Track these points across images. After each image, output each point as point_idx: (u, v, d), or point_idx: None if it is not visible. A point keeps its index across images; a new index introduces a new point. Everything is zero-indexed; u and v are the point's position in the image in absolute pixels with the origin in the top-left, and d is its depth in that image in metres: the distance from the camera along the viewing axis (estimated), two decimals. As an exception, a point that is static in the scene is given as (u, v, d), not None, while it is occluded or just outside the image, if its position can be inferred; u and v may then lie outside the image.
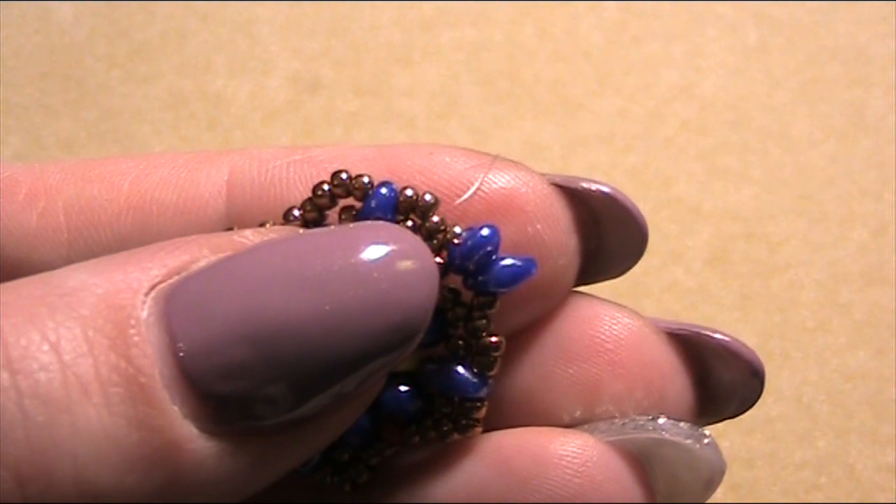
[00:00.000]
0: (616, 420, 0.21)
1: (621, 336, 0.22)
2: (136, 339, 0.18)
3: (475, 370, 0.21)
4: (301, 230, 0.20)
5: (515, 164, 0.22)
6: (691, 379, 0.23)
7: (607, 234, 0.22)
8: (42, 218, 0.22)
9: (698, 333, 0.22)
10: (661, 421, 0.21)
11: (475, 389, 0.21)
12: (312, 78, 0.45)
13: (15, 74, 0.44)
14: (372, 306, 0.18)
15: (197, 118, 0.44)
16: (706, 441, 0.21)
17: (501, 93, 0.44)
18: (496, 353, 0.21)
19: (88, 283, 0.18)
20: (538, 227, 0.21)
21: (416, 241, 0.19)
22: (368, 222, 0.20)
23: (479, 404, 0.21)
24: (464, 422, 0.21)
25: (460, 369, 0.21)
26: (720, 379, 0.23)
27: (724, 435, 0.38)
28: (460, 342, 0.21)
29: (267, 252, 0.19)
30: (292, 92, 0.44)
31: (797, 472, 0.38)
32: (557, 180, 0.22)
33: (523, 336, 0.22)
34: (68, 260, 0.21)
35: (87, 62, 0.45)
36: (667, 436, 0.21)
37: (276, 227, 0.20)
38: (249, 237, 0.19)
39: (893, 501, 0.37)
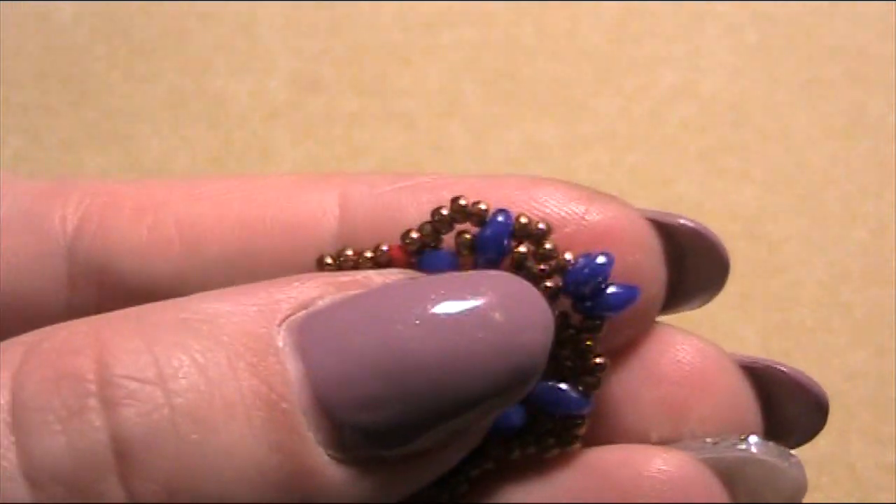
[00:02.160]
0: (707, 440, 0.23)
1: (705, 364, 0.23)
2: (276, 366, 0.18)
3: (580, 388, 0.22)
4: (422, 275, 0.21)
5: (612, 197, 0.23)
6: (760, 406, 0.24)
7: (691, 267, 0.23)
8: (153, 231, 0.22)
9: (768, 366, 0.24)
10: (753, 440, 0.22)
11: (581, 406, 0.22)
12: (313, 78, 0.45)
13: (15, 74, 0.44)
14: (496, 348, 0.19)
15: (197, 118, 0.44)
16: (793, 460, 0.22)
17: (502, 92, 0.44)
18: (601, 374, 0.22)
19: (224, 310, 0.19)
20: (637, 257, 0.22)
21: (532, 287, 0.20)
22: (491, 271, 0.21)
23: (581, 421, 0.22)
24: (566, 437, 0.22)
25: (566, 387, 0.22)
26: (784, 410, 0.24)
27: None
28: (568, 362, 0.22)
29: (396, 291, 0.20)
30: (293, 92, 0.44)
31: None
32: (649, 214, 0.23)
33: (613, 359, 0.23)
34: (179, 274, 0.22)
35: (87, 62, 0.45)
36: (758, 454, 0.22)
37: (396, 270, 0.21)
38: (374, 278, 0.20)
39: (894, 502, 0.37)
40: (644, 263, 0.22)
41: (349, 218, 0.23)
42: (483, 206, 0.21)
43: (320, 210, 0.23)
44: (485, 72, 0.45)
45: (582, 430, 0.22)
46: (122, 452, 0.17)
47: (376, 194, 0.23)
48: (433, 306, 0.19)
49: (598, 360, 0.22)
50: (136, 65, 0.45)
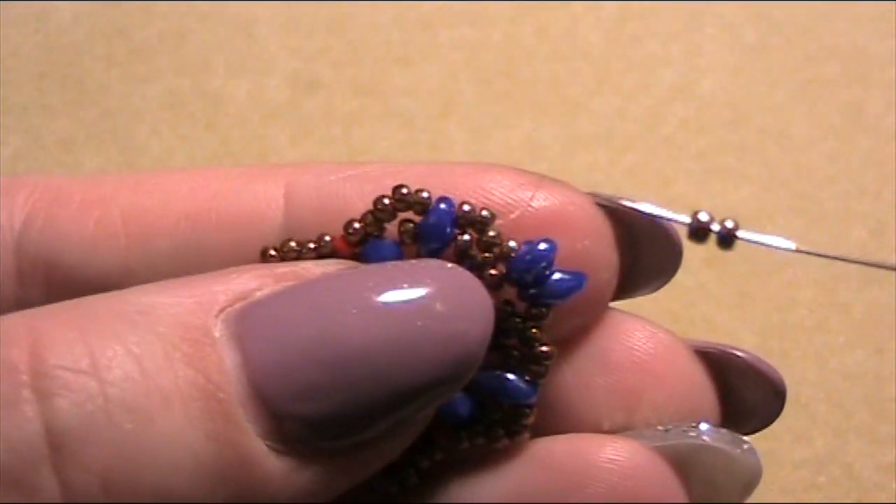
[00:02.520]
0: (659, 427, 0.22)
1: (657, 350, 0.23)
2: (212, 356, 0.18)
3: (526, 378, 0.22)
4: (362, 265, 0.21)
5: (561, 183, 0.22)
6: (717, 394, 0.23)
7: (644, 252, 0.23)
8: (99, 225, 0.22)
9: (724, 352, 0.23)
10: (704, 427, 0.22)
11: (527, 396, 0.22)
12: (311, 77, 0.45)
13: (14, 74, 0.44)
14: (436, 337, 0.19)
15: (196, 118, 0.44)
16: (746, 447, 0.22)
17: (500, 92, 0.44)
18: (548, 362, 0.22)
19: (161, 302, 0.19)
20: (586, 243, 0.22)
21: (472, 278, 0.20)
22: (428, 260, 0.21)
23: (528, 410, 0.22)
24: (513, 427, 0.22)
25: (512, 377, 0.22)
26: (743, 396, 0.23)
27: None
28: (514, 351, 0.22)
29: (334, 281, 0.20)
30: (291, 91, 0.44)
31: (795, 471, 0.38)
32: (600, 199, 0.23)
33: (564, 347, 0.23)
34: (126, 267, 0.22)
35: (85, 62, 0.45)
36: (709, 441, 0.22)
37: (336, 261, 0.21)
38: (312, 269, 0.20)
39: (892, 501, 0.37)
40: (593, 249, 0.22)
41: (294, 209, 0.22)
42: (425, 195, 0.21)
43: (265, 202, 0.22)
44: (483, 71, 0.45)
45: (530, 420, 0.22)
46: (57, 443, 0.17)
47: (321, 185, 0.22)
48: (372, 296, 0.19)
49: (543, 348, 0.22)
50: (135, 65, 0.45)
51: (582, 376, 0.23)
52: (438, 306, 0.19)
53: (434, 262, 0.21)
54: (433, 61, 0.45)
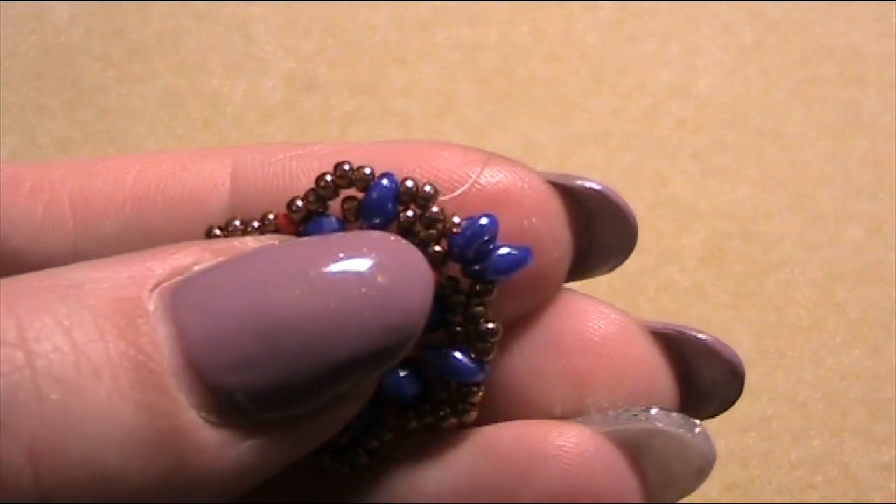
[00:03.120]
0: (609, 412, 0.22)
1: (609, 331, 0.23)
2: (144, 328, 0.18)
3: (472, 356, 0.21)
4: (300, 238, 0.21)
5: (511, 160, 0.22)
6: (675, 376, 0.23)
7: (599, 231, 0.23)
8: (47, 209, 0.22)
9: (681, 333, 0.23)
10: (654, 412, 0.22)
11: (473, 374, 0.21)
12: (308, 77, 0.45)
13: (11, 74, 0.44)
14: (373, 307, 0.19)
15: (192, 118, 0.44)
16: (697, 430, 0.22)
17: (497, 92, 0.44)
18: (493, 339, 0.21)
19: (94, 277, 0.19)
20: (534, 220, 0.22)
21: (412, 247, 0.20)
22: (367, 231, 0.21)
23: (475, 389, 0.22)
24: (461, 406, 0.22)
25: (458, 354, 0.21)
26: (702, 378, 0.23)
27: (720, 434, 0.38)
28: (458, 329, 0.21)
29: (270, 253, 0.20)
30: (288, 91, 0.44)
31: (792, 471, 0.38)
32: (552, 177, 0.22)
33: (514, 329, 0.23)
34: (74, 250, 0.22)
35: (82, 62, 0.45)
36: (660, 426, 0.22)
37: (275, 235, 0.21)
38: (249, 243, 0.20)
39: (890, 501, 0.37)
40: (542, 227, 0.22)
41: (240, 188, 0.22)
42: (367, 171, 0.21)
43: (211, 181, 0.22)
44: (480, 71, 0.45)
45: (477, 398, 0.22)
46: None
47: (267, 164, 0.22)
48: (308, 267, 0.19)
49: (489, 325, 0.21)
50: (132, 65, 0.45)
51: (532, 360, 0.23)
52: (375, 276, 0.19)
53: (371, 233, 0.20)
54: (430, 61, 0.45)
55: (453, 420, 0.22)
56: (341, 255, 0.19)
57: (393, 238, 0.20)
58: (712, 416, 0.23)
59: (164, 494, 0.18)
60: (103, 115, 0.44)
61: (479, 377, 0.22)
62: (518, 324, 0.23)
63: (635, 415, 0.22)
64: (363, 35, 0.45)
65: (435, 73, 0.44)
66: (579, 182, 0.22)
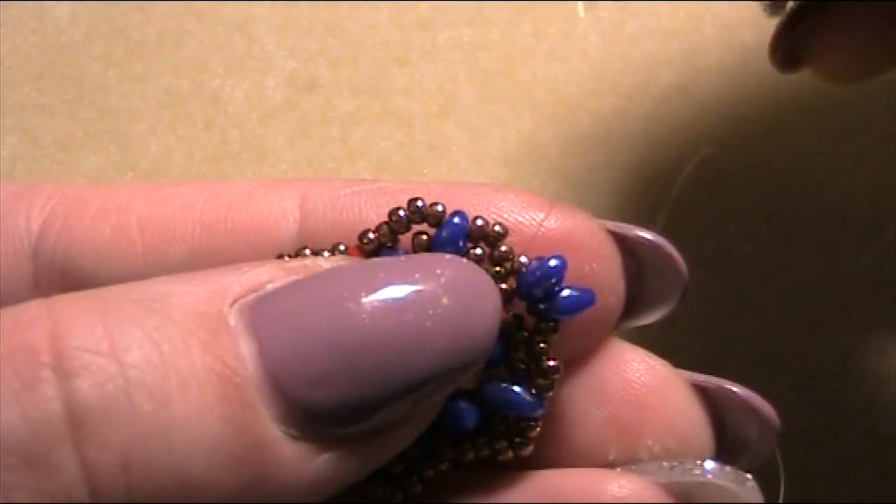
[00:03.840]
0: (664, 463, 0.23)
1: (654, 383, 0.24)
2: (228, 343, 0.19)
3: (532, 391, 0.22)
4: (373, 259, 0.22)
5: (573, 207, 0.23)
6: (712, 427, 0.24)
7: (650, 280, 0.24)
8: (115, 232, 0.23)
9: (720, 387, 0.24)
10: (709, 465, 0.23)
11: (533, 409, 0.22)
12: (309, 77, 0.45)
13: (12, 74, 0.44)
14: (446, 326, 0.20)
15: (194, 118, 0.44)
16: (749, 484, 0.23)
17: (499, 92, 0.44)
18: (555, 376, 0.22)
19: (176, 290, 0.19)
20: (594, 265, 0.23)
21: (482, 271, 0.21)
22: (440, 254, 0.21)
23: (533, 423, 0.22)
24: (518, 440, 0.22)
25: (518, 389, 0.22)
26: (737, 432, 0.24)
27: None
28: (521, 365, 0.22)
29: (346, 272, 0.20)
30: (289, 91, 0.44)
31: (795, 472, 0.38)
32: (609, 226, 0.23)
33: (565, 374, 0.23)
34: (142, 274, 0.22)
35: (83, 62, 0.45)
36: (714, 479, 0.22)
37: (345, 257, 0.22)
38: (322, 264, 0.21)
39: (892, 502, 0.37)
40: (601, 272, 0.23)
41: (309, 220, 0.23)
42: (440, 208, 0.22)
43: (280, 211, 0.23)
44: (481, 71, 0.45)
45: (534, 433, 0.22)
46: (77, 422, 0.17)
47: (336, 196, 0.23)
48: (383, 286, 0.20)
49: (551, 362, 0.22)
50: (133, 65, 0.45)
51: (579, 405, 0.23)
52: (446, 297, 0.20)
53: (444, 255, 0.21)
54: (431, 61, 0.45)
55: (510, 453, 0.22)
56: (416, 275, 0.20)
57: (464, 261, 0.21)
58: (744, 470, 0.24)
59: None
60: (104, 114, 0.44)
61: (538, 412, 0.22)
62: (566, 369, 0.23)
63: (689, 468, 0.23)
64: (364, 35, 0.45)
65: (436, 73, 0.44)
66: (634, 232, 0.23)
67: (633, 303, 0.24)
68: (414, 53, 0.45)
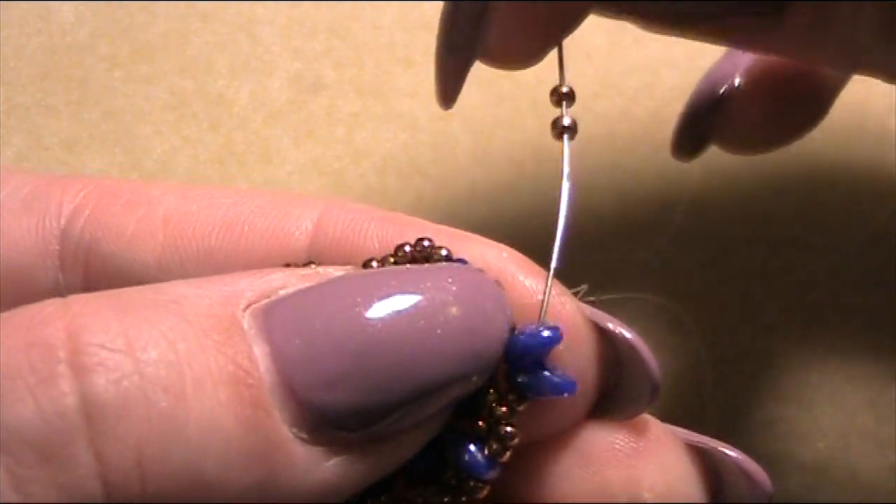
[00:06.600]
0: None
1: (639, 443, 0.24)
2: (242, 345, 0.19)
3: (487, 452, 0.22)
4: (384, 268, 0.22)
5: (565, 291, 0.23)
6: (706, 488, 0.24)
7: (625, 377, 0.24)
8: (141, 222, 0.24)
9: (714, 449, 0.24)
10: None
11: (482, 471, 0.22)
12: (314, 78, 0.45)
13: (16, 75, 0.44)
14: (456, 332, 0.20)
15: (198, 118, 0.44)
16: None
17: (503, 93, 0.44)
18: (511, 442, 0.22)
19: (191, 293, 0.20)
20: (570, 350, 0.23)
21: (491, 280, 0.21)
22: (450, 264, 0.22)
23: (481, 485, 0.22)
24: (464, 499, 0.22)
25: (472, 448, 0.22)
26: (731, 493, 0.24)
27: (725, 435, 0.38)
28: (480, 423, 0.22)
29: (357, 279, 0.21)
30: (294, 92, 0.44)
31: (798, 473, 0.38)
32: (591, 315, 0.23)
33: (547, 443, 0.24)
34: (160, 263, 0.24)
35: (88, 63, 0.45)
36: None
37: (354, 266, 0.22)
38: (333, 271, 0.21)
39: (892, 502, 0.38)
40: (577, 365, 0.23)
41: (320, 237, 0.24)
42: (444, 252, 0.22)
43: (296, 225, 0.24)
44: (485, 72, 0.45)
45: (481, 495, 0.22)
46: (92, 416, 0.18)
47: (348, 220, 0.24)
48: (394, 293, 0.20)
49: (509, 428, 0.22)
50: (138, 65, 0.45)
51: (563, 469, 0.24)
52: (456, 305, 0.20)
53: (454, 265, 0.22)
54: (436, 62, 0.45)
55: None
56: (428, 283, 0.20)
57: (474, 270, 0.21)
58: None
59: None
60: (109, 115, 0.44)
61: (489, 475, 0.22)
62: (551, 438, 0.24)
63: None
64: (369, 36, 0.45)
65: (441, 75, 0.44)
66: (611, 325, 0.23)
67: (607, 399, 0.24)
68: (418, 54, 0.45)
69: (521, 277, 0.23)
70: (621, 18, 0.30)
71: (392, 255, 0.22)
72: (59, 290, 0.24)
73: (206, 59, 0.45)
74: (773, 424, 0.38)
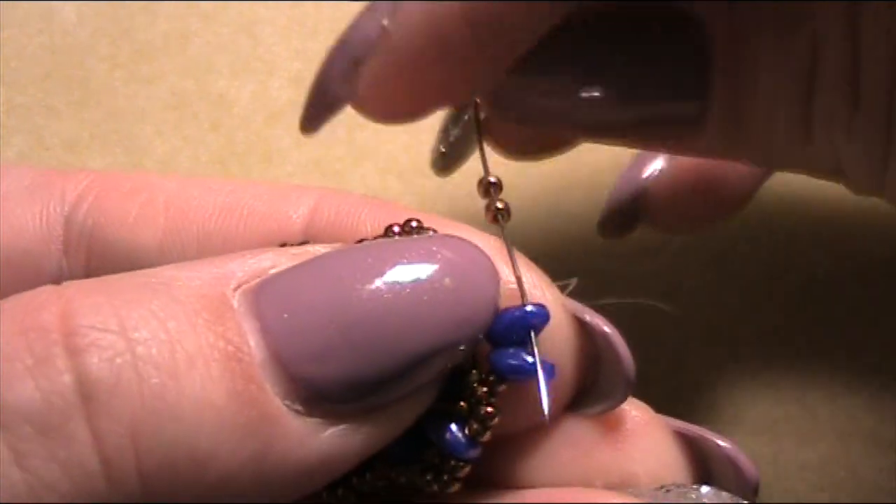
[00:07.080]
0: (661, 487, 0.23)
1: (627, 427, 0.24)
2: (231, 322, 0.20)
3: (468, 432, 0.22)
4: (372, 241, 0.22)
5: (550, 285, 0.24)
6: (693, 474, 0.25)
7: (602, 373, 0.24)
8: (143, 207, 0.25)
9: (703, 437, 0.25)
10: (704, 490, 0.23)
11: (463, 450, 0.22)
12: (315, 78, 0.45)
13: (18, 75, 0.44)
14: (445, 301, 0.20)
15: (199, 119, 0.44)
16: None
17: (504, 93, 0.44)
18: (491, 422, 0.22)
19: (182, 276, 0.20)
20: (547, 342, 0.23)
21: (479, 249, 0.22)
22: (438, 235, 0.22)
23: (463, 464, 0.22)
24: (445, 477, 0.23)
25: (454, 427, 0.22)
26: (718, 482, 0.25)
27: (727, 436, 0.38)
28: (462, 404, 0.22)
29: (345, 253, 0.21)
30: (295, 92, 0.44)
31: (799, 473, 0.38)
32: (569, 306, 0.24)
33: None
34: (161, 246, 0.24)
35: (89, 63, 0.45)
36: (709, 502, 0.23)
37: (343, 243, 0.23)
38: (321, 249, 0.22)
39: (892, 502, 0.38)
40: (554, 349, 0.23)
41: (315, 220, 0.24)
42: (431, 234, 0.22)
43: (294, 208, 0.24)
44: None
45: (463, 473, 0.22)
46: (88, 395, 0.18)
47: (343, 205, 0.24)
48: (379, 265, 0.20)
49: (489, 409, 0.22)
50: (139, 66, 0.45)
51: (557, 452, 0.24)
52: (450, 274, 0.20)
53: (441, 235, 0.22)
54: (437, 62, 0.45)
55: (434, 487, 0.23)
56: (412, 254, 0.21)
57: (461, 240, 0.22)
58: None
59: (251, 479, 0.19)
60: (110, 116, 0.44)
61: (470, 454, 0.22)
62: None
63: (685, 492, 0.23)
64: (370, 36, 0.45)
65: (442, 75, 0.44)
66: (588, 317, 0.24)
67: (583, 393, 0.24)
68: (419, 55, 0.45)
69: (503, 266, 0.23)
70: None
71: (381, 236, 0.23)
72: (63, 276, 0.24)
73: (208, 59, 0.45)
74: (775, 424, 0.38)
